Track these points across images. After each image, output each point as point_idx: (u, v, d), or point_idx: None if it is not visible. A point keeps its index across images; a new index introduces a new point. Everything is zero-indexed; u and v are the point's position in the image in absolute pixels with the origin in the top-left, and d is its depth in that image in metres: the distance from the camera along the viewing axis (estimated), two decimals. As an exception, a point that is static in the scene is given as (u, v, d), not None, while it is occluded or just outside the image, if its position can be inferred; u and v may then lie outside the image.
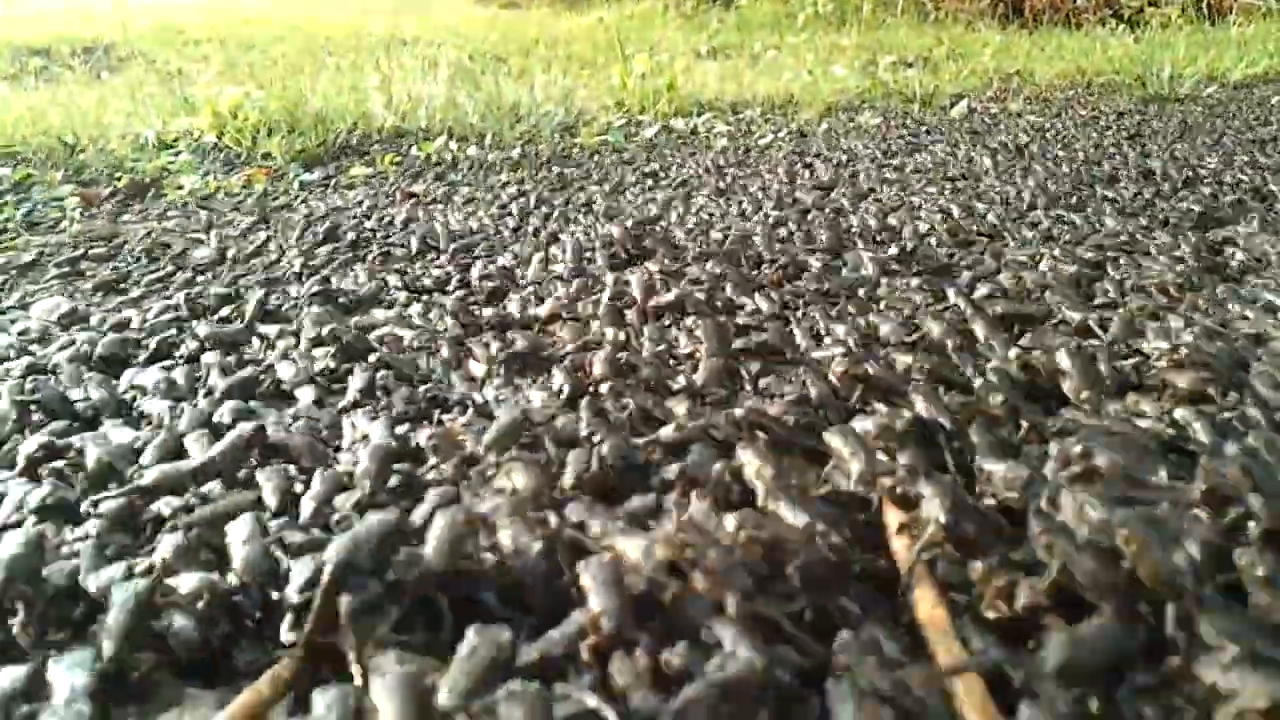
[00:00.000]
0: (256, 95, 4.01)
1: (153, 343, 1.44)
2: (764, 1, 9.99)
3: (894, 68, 5.92)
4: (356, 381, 1.24)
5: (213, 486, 0.99)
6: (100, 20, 10.49)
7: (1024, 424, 1.02)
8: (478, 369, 1.28)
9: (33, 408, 1.21)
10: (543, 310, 1.51)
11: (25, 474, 1.04)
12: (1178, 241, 1.79)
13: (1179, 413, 1.03)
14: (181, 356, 1.41)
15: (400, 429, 1.09)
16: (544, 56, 6.83)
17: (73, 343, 1.44)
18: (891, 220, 2.10)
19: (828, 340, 1.33)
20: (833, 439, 0.97)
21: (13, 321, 1.64)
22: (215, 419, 1.14)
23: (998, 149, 3.17)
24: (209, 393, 1.24)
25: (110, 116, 4.31)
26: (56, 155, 3.49)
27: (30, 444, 1.07)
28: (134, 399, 1.26)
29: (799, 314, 1.45)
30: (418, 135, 3.85)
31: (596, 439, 0.99)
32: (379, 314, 1.57)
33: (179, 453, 1.07)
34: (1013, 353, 1.21)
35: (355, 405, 1.18)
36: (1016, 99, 4.60)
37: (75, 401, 1.24)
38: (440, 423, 1.11)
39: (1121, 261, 1.67)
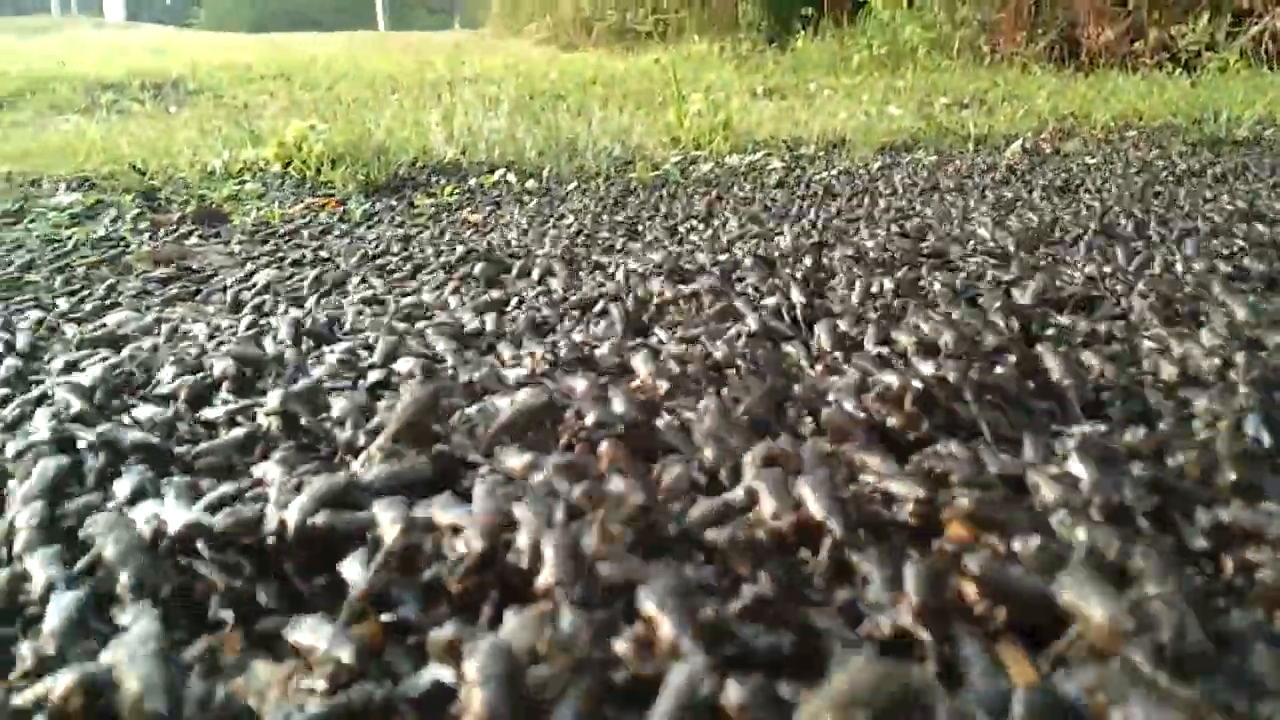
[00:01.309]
0: (321, 128, 4.11)
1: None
2: (819, 44, 10.06)
3: (949, 109, 5.94)
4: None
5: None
6: (170, 57, 10.77)
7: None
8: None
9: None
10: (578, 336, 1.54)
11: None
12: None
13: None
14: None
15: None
16: (601, 95, 6.92)
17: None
18: (943, 246, 2.13)
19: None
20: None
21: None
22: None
23: (1048, 186, 3.19)
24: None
25: (179, 147, 4.43)
26: (127, 182, 3.59)
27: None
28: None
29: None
30: (478, 168, 3.93)
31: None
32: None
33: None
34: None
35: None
36: (1072, 140, 4.60)
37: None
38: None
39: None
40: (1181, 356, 1.28)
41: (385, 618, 0.76)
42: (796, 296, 1.65)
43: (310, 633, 0.74)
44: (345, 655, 0.70)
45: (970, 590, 0.74)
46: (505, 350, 1.46)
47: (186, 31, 19.17)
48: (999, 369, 1.21)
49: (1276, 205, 2.68)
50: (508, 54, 11.90)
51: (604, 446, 1.00)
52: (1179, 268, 1.86)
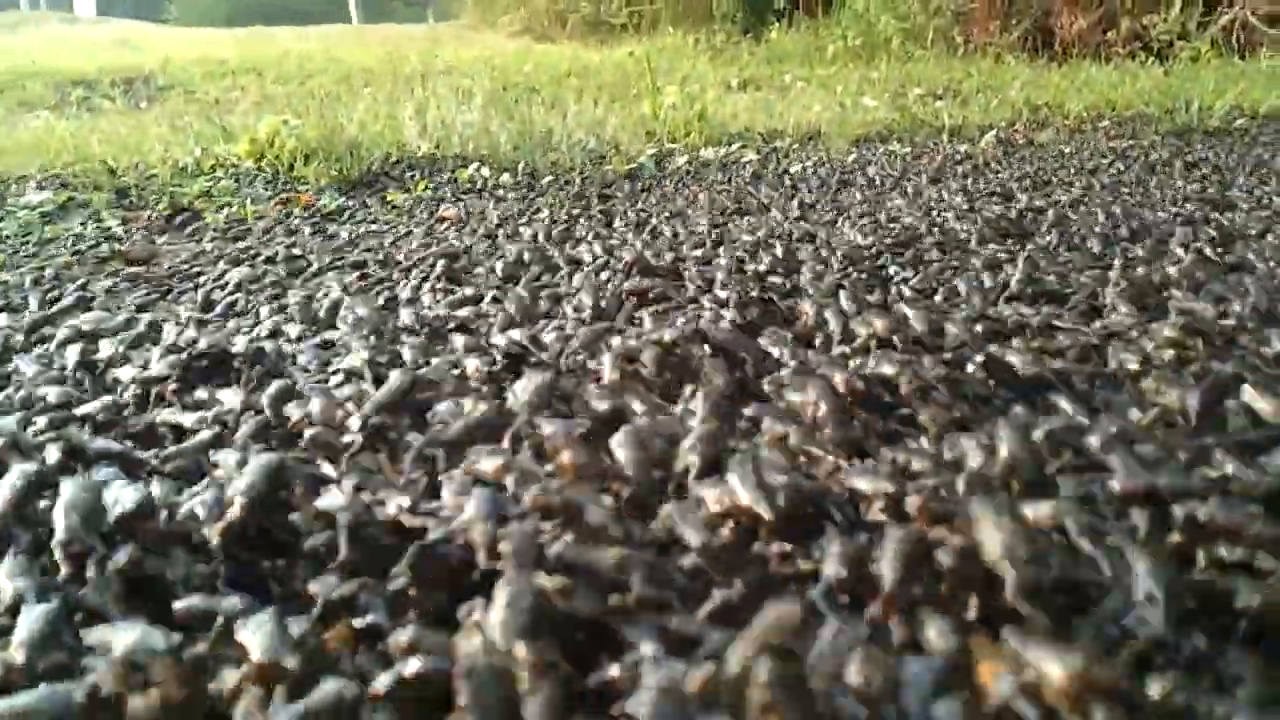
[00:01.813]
0: (294, 123, 4.09)
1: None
2: (794, 35, 10.08)
3: (923, 100, 5.96)
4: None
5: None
6: (142, 52, 10.69)
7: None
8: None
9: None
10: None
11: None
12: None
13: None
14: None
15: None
16: (576, 88, 6.91)
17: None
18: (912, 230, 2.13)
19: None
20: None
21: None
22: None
23: (1020, 177, 3.21)
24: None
25: (150, 143, 4.40)
26: (98, 179, 3.57)
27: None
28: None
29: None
30: (452, 162, 3.92)
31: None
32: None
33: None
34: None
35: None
36: (1045, 131, 4.62)
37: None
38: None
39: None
40: (1142, 347, 1.30)
41: (356, 623, 0.76)
42: (765, 290, 1.65)
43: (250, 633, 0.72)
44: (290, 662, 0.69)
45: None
46: (472, 347, 1.45)
47: (159, 26, 19.03)
48: (964, 365, 1.23)
49: (1240, 195, 2.71)
50: (482, 46, 11.87)
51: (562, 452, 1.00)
52: (1144, 258, 1.88)
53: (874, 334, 1.38)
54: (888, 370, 1.17)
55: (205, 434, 1.14)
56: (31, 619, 0.76)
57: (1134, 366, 1.23)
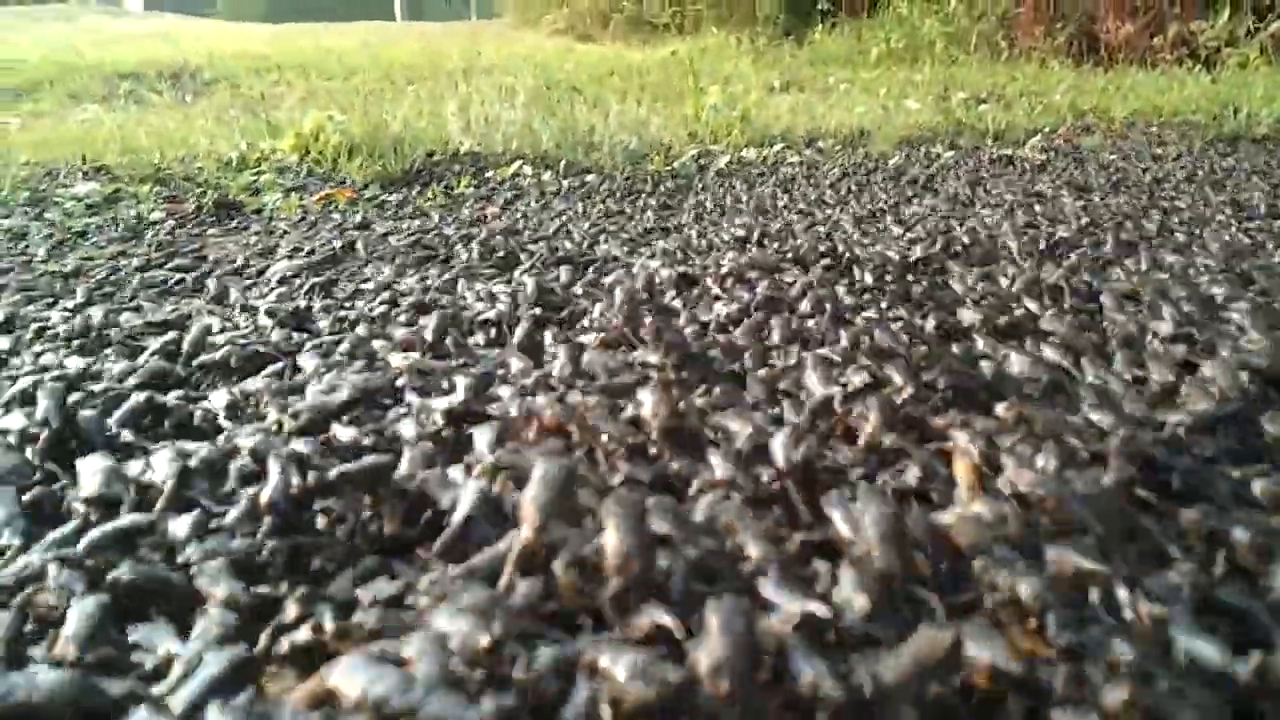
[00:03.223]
0: (338, 119, 4.11)
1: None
2: (837, 37, 10.04)
3: (967, 104, 5.92)
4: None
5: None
6: (188, 46, 10.79)
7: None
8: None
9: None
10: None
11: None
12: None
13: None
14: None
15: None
16: (618, 87, 6.91)
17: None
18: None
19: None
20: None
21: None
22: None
23: (1064, 183, 3.18)
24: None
25: (196, 137, 4.44)
26: (144, 172, 3.60)
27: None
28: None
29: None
30: (494, 159, 3.92)
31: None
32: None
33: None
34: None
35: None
36: (1090, 136, 4.58)
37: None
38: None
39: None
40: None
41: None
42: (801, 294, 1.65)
43: None
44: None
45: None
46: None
47: (205, 21, 19.21)
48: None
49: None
50: (524, 45, 11.90)
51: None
52: (1183, 268, 1.86)
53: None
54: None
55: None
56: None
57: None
